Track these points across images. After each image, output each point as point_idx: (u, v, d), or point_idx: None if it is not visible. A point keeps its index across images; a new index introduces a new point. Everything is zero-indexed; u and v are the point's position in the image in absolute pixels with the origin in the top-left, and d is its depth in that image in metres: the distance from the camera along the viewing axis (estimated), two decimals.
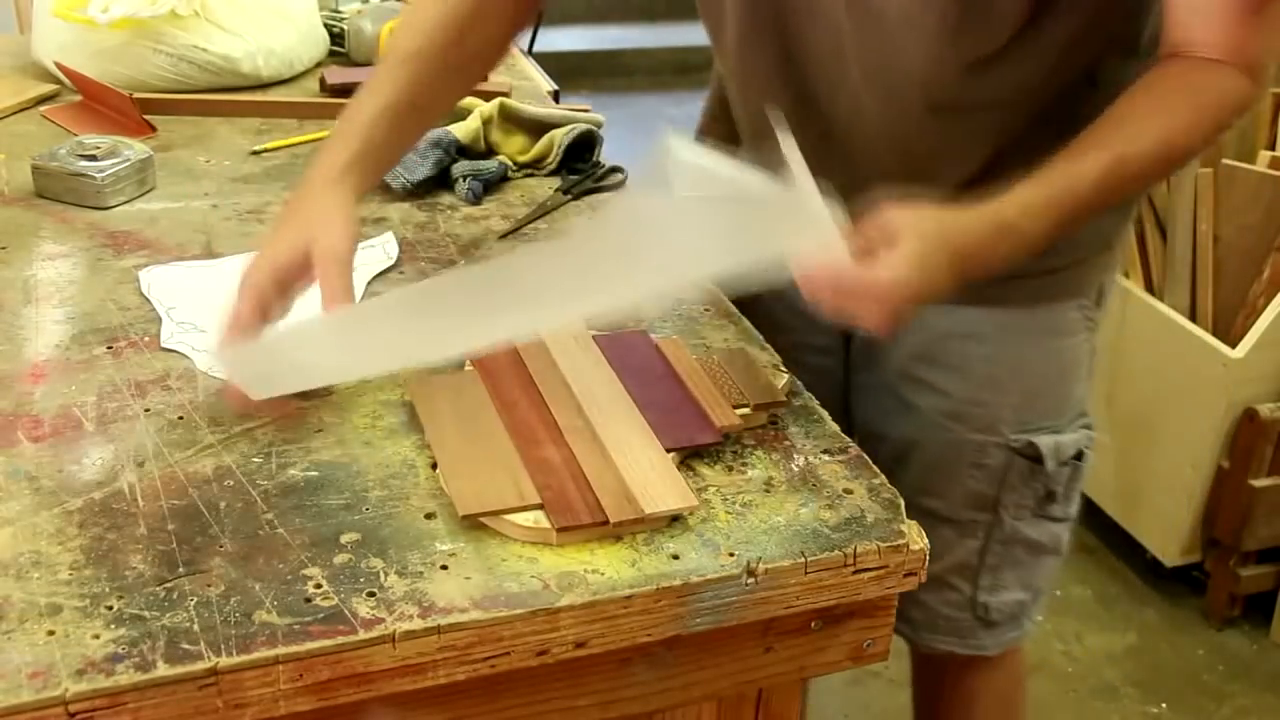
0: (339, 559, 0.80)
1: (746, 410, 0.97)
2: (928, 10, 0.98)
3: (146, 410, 0.95)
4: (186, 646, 0.72)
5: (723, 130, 1.26)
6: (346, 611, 0.76)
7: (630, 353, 1.03)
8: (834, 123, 1.10)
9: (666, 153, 0.83)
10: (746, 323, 1.10)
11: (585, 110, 1.47)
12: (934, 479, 1.19)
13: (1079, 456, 1.21)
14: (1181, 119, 0.95)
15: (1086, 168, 0.93)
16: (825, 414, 0.98)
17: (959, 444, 1.18)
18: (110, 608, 0.75)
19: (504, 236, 1.25)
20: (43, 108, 1.52)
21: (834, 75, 1.07)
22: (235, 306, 0.93)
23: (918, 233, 0.86)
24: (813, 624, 0.88)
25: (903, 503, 0.89)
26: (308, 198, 0.98)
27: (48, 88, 1.56)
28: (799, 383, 1.02)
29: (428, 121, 1.11)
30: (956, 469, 1.19)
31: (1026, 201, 0.92)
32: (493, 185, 1.35)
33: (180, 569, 0.78)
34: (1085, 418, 1.22)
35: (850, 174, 1.08)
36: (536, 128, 1.42)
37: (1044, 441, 1.18)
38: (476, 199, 1.32)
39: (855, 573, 0.84)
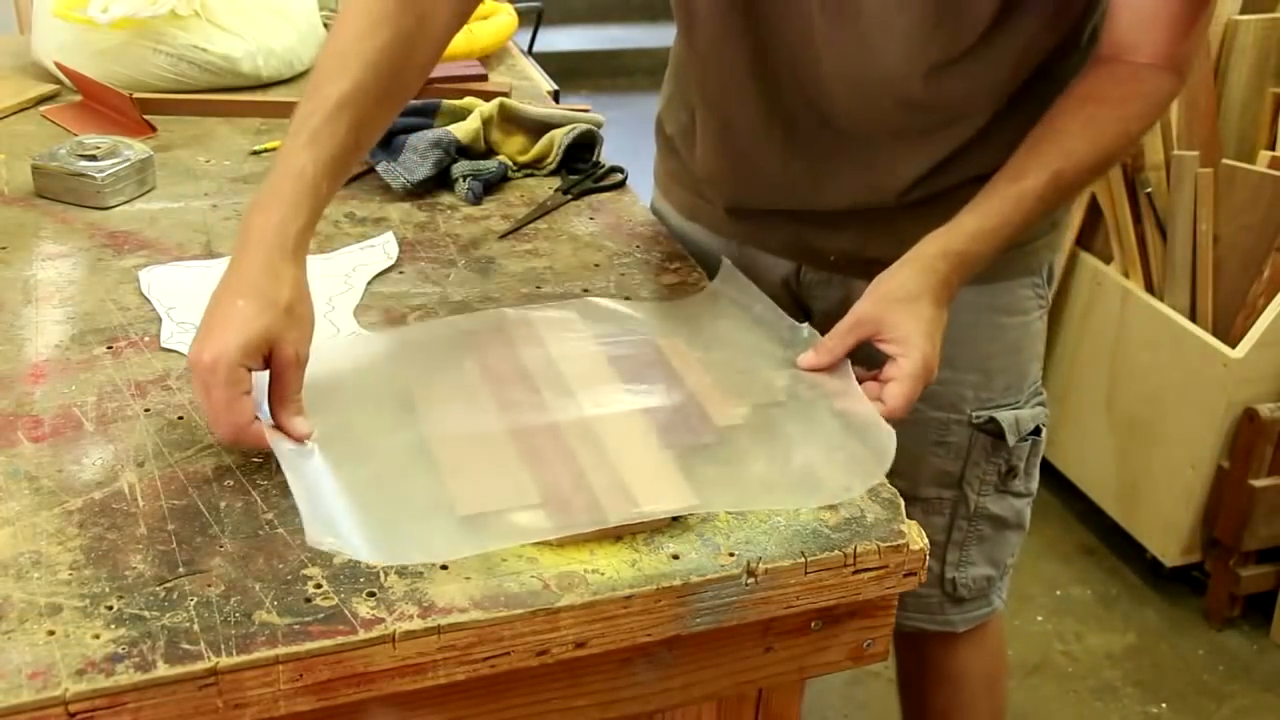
0: (339, 559, 0.80)
1: (746, 409, 0.97)
2: (903, 11, 1.02)
3: (146, 410, 0.95)
4: (186, 646, 0.72)
5: (679, 113, 1.27)
6: (346, 611, 0.76)
7: (631, 352, 1.03)
8: (799, 119, 1.13)
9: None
10: (752, 313, 1.10)
11: (585, 110, 1.47)
12: (900, 459, 1.18)
13: (1037, 432, 1.25)
14: (1112, 128, 1.04)
15: (1028, 187, 1.02)
16: (826, 414, 0.98)
17: (923, 423, 1.20)
18: (110, 608, 0.75)
19: (504, 236, 1.25)
20: (43, 108, 1.52)
21: (804, 71, 1.10)
22: (216, 396, 0.85)
23: (920, 330, 0.98)
24: (813, 624, 0.88)
25: (902, 502, 0.89)
26: (267, 271, 0.90)
27: (48, 88, 1.56)
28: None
29: (364, 151, 1.04)
30: (921, 448, 1.22)
31: (977, 229, 1.02)
32: (493, 185, 1.35)
33: (180, 569, 0.78)
34: (1040, 395, 1.27)
35: (813, 168, 1.15)
36: (536, 128, 1.42)
37: (1004, 417, 1.22)
38: (476, 199, 1.32)
39: (855, 573, 0.84)
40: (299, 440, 0.88)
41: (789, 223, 1.20)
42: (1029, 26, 1.04)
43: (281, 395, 0.89)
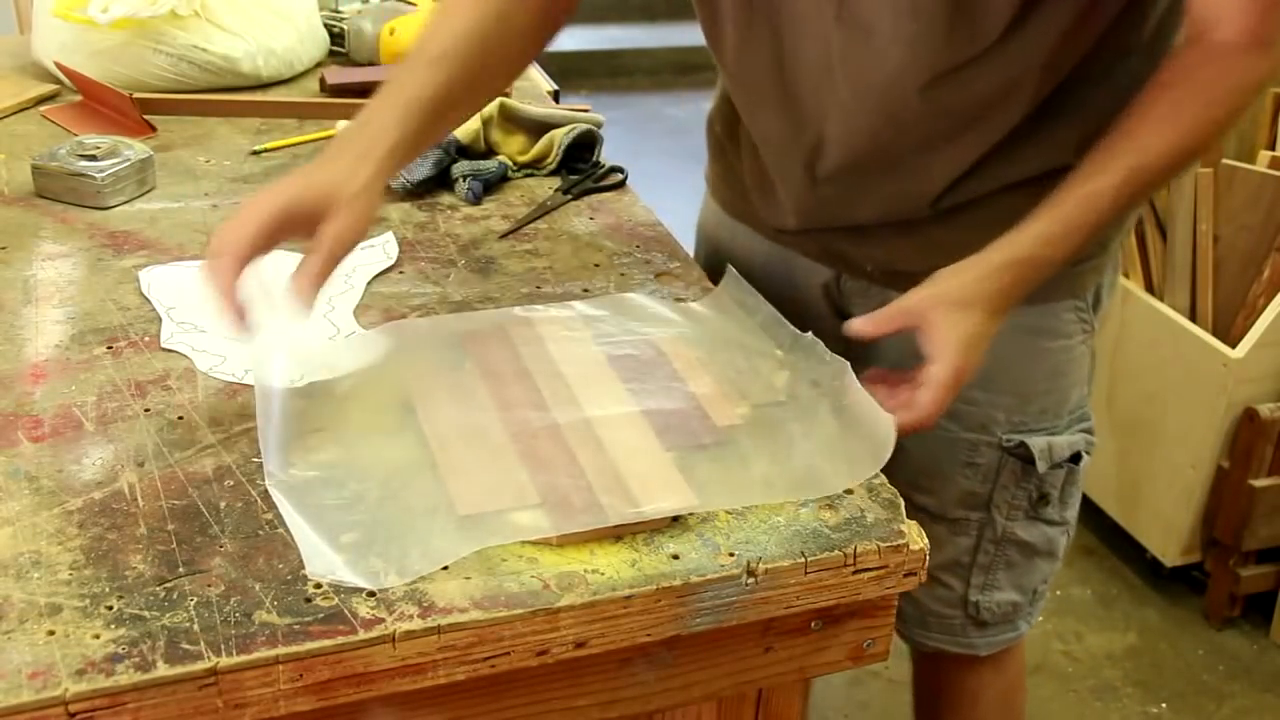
0: (338, 559, 0.80)
1: (746, 409, 0.97)
2: (916, 18, 0.99)
3: (146, 410, 0.95)
4: (186, 646, 0.72)
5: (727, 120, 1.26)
6: (346, 611, 0.76)
7: (631, 352, 1.03)
8: (825, 133, 1.11)
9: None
10: (757, 317, 1.10)
11: (585, 110, 1.47)
12: (927, 476, 1.19)
13: (1075, 459, 1.21)
14: (1189, 120, 0.97)
15: (1100, 186, 0.97)
16: (827, 413, 0.98)
17: (952, 442, 1.18)
18: (110, 608, 0.75)
19: (504, 236, 1.25)
20: (43, 108, 1.52)
21: (822, 86, 1.08)
22: (233, 228, 0.90)
23: (960, 339, 0.96)
24: (813, 624, 0.88)
25: (903, 502, 0.89)
26: (343, 166, 0.94)
27: (48, 88, 1.56)
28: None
29: (450, 124, 1.10)
30: (949, 467, 1.19)
31: (1045, 233, 0.98)
32: (493, 185, 1.35)
33: (180, 569, 0.78)
34: (1084, 422, 1.22)
35: (841, 186, 1.13)
36: (536, 128, 1.42)
37: (1036, 443, 1.17)
38: (476, 199, 1.32)
39: (855, 573, 0.84)
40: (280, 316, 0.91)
41: (824, 234, 1.19)
42: (1050, 30, 1.00)
43: (306, 276, 0.91)
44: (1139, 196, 1.01)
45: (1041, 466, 1.18)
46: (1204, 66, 0.97)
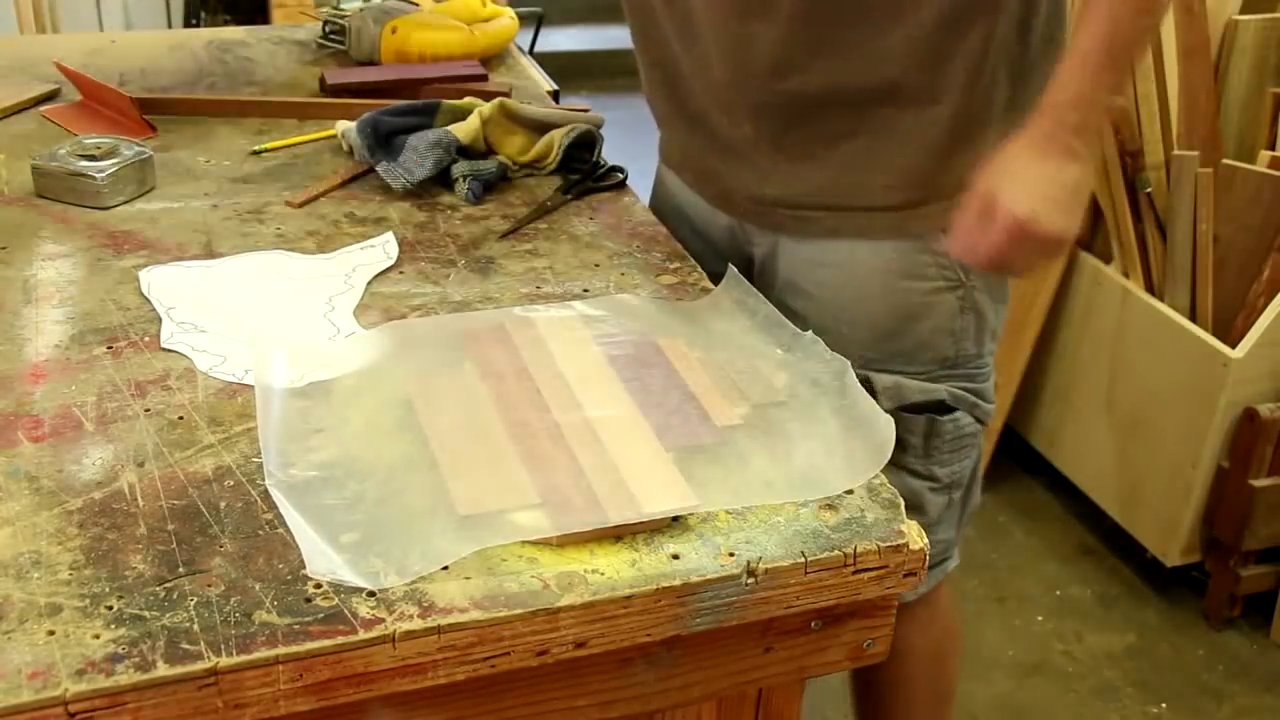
0: (339, 559, 0.80)
1: (746, 409, 0.97)
2: None
3: (146, 410, 0.95)
4: (186, 646, 0.72)
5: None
6: (346, 611, 0.76)
7: (631, 352, 1.03)
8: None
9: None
10: (758, 317, 1.10)
11: (585, 110, 1.47)
12: None
13: (942, 410, 1.23)
14: None
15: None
16: (827, 413, 0.98)
17: None
18: (110, 608, 0.75)
19: (504, 236, 1.25)
20: (43, 108, 1.52)
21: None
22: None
23: (989, 172, 1.05)
24: (813, 624, 0.88)
25: (902, 502, 0.89)
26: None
27: (48, 88, 1.56)
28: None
29: None
30: None
31: (1073, 61, 1.04)
32: (493, 185, 1.35)
33: (180, 569, 0.78)
34: (964, 380, 1.24)
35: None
36: (536, 128, 1.42)
37: (881, 379, 1.20)
38: (476, 199, 1.32)
39: (855, 573, 0.84)
40: None
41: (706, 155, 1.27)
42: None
43: None
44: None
45: (884, 404, 1.16)
46: None
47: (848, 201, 1.20)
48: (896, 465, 1.20)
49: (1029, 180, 1.04)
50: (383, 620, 0.75)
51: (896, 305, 1.21)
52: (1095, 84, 1.04)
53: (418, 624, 0.75)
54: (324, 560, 0.79)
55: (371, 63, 1.68)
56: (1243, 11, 2.25)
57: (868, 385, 1.15)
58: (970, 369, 1.25)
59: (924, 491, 1.28)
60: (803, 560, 0.83)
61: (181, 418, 0.94)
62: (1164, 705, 2.03)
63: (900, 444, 1.17)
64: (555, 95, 1.69)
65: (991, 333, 1.26)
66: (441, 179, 1.34)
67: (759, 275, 1.27)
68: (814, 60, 1.13)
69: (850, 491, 0.89)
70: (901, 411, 1.21)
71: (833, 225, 1.21)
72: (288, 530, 0.82)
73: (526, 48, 2.04)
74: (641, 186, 1.39)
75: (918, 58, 1.11)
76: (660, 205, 1.39)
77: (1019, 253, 1.06)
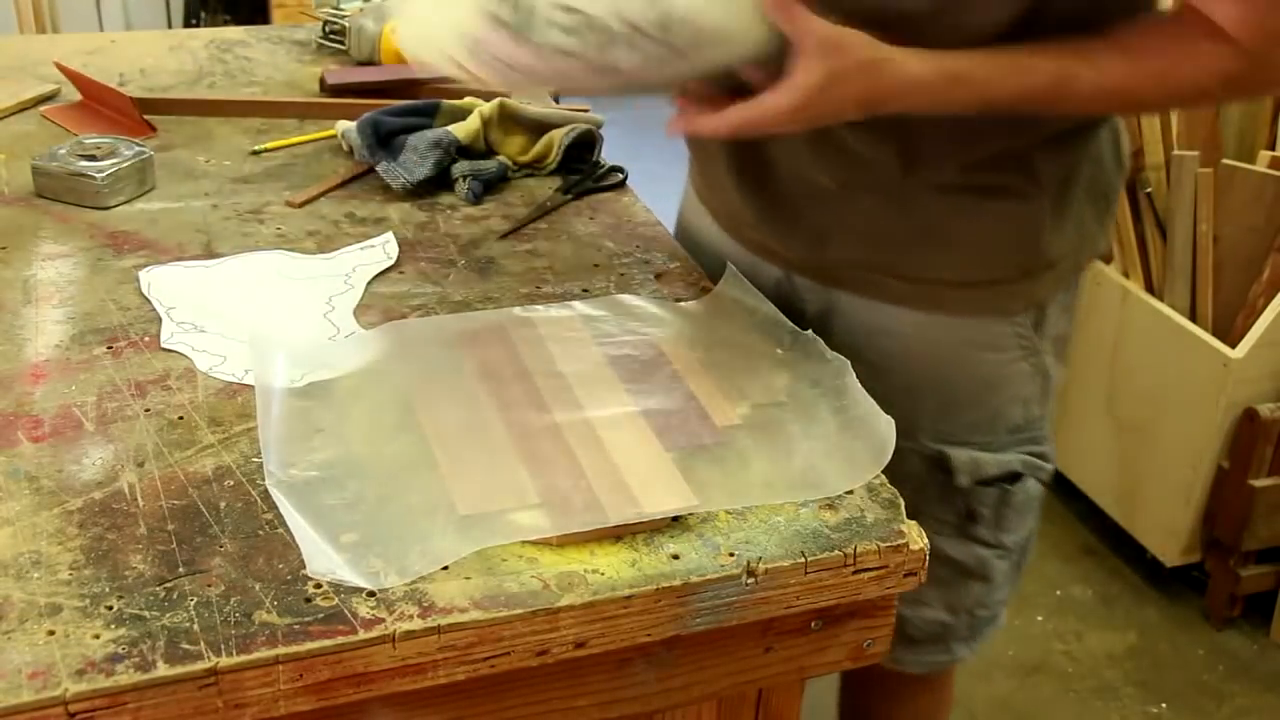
0: (339, 558, 0.80)
1: (747, 409, 0.97)
2: None
3: (146, 410, 0.95)
4: (186, 646, 0.72)
5: None
6: (346, 611, 0.76)
7: (631, 352, 1.03)
8: None
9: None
10: (759, 314, 1.10)
11: (585, 110, 1.47)
12: None
13: (1012, 480, 1.16)
14: (1154, 69, 0.94)
15: (1039, 64, 0.93)
16: (827, 413, 0.98)
17: None
18: (110, 608, 0.75)
19: (504, 236, 1.25)
20: (43, 108, 1.52)
21: None
22: None
23: (825, 61, 0.88)
24: (813, 624, 0.88)
25: (903, 502, 0.89)
26: None
27: (48, 88, 1.56)
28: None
29: None
30: None
31: (960, 68, 0.92)
32: (493, 185, 1.35)
33: (180, 569, 0.78)
34: (1032, 444, 1.18)
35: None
36: (536, 128, 1.42)
37: (958, 455, 1.14)
38: (476, 199, 1.32)
39: (855, 573, 0.84)
40: None
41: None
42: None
43: None
44: (1063, 100, 0.95)
45: (962, 481, 1.14)
46: (1191, 30, 0.93)
47: (920, 272, 1.10)
48: (967, 537, 1.18)
49: (847, 90, 0.90)
50: (383, 620, 0.75)
51: (971, 378, 1.14)
52: (968, 100, 0.93)
53: (418, 624, 0.75)
54: (324, 560, 0.79)
55: (371, 63, 1.68)
56: None
57: (942, 461, 1.14)
58: (1036, 432, 1.19)
59: (992, 561, 1.21)
60: (803, 560, 0.83)
61: (181, 418, 0.94)
62: (1164, 705, 2.03)
63: (971, 516, 1.17)
64: (555, 95, 1.69)
65: (1054, 393, 1.20)
66: (441, 179, 1.34)
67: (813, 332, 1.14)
68: (940, 146, 1.04)
69: (850, 491, 0.89)
70: (977, 485, 1.15)
71: (901, 293, 1.11)
72: (288, 530, 0.82)
73: None
74: (641, 187, 1.39)
75: (1040, 160, 1.05)
76: (689, 244, 1.28)
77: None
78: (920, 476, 1.14)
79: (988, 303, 1.11)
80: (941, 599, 1.22)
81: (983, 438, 1.15)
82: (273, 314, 1.09)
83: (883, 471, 0.93)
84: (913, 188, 1.07)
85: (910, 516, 1.12)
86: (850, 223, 1.11)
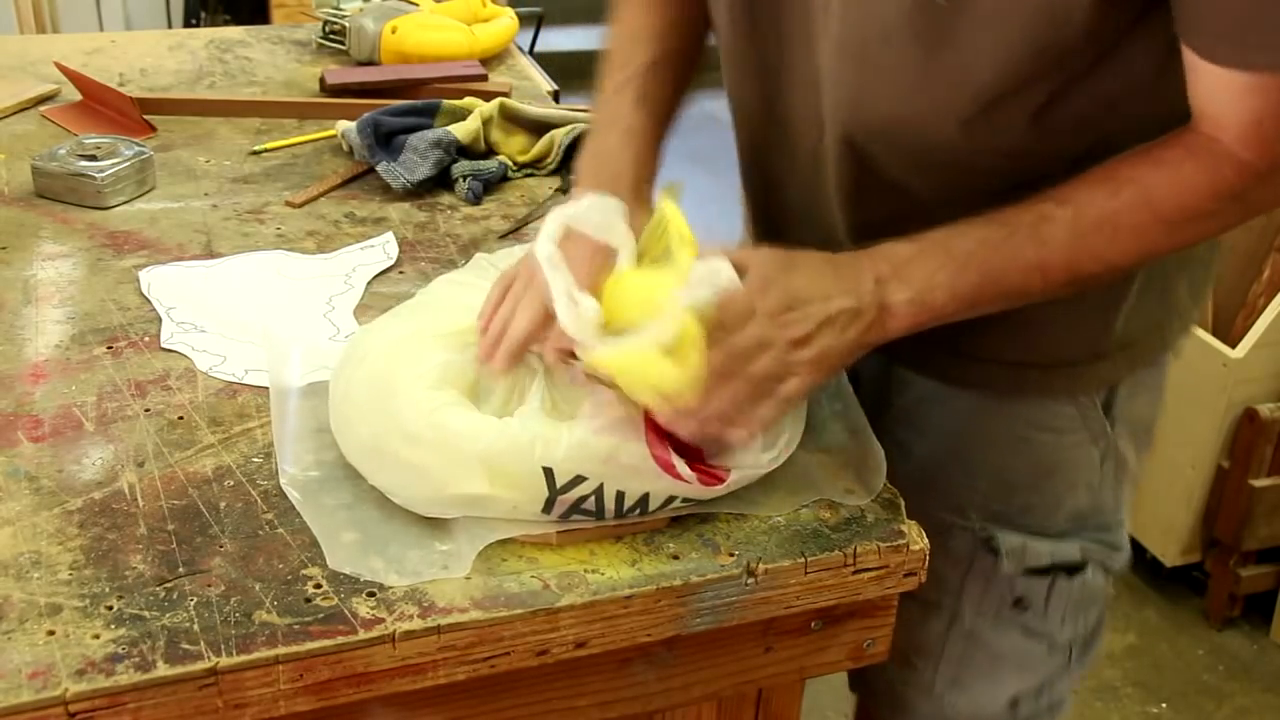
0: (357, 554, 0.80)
1: None
2: (890, 45, 0.85)
3: (146, 410, 0.95)
4: (186, 646, 0.72)
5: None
6: (346, 612, 0.76)
7: None
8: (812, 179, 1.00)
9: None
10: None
11: (585, 110, 1.47)
12: None
13: (1071, 572, 1.08)
14: (1128, 198, 0.84)
15: (962, 245, 0.86)
16: (827, 414, 0.98)
17: (927, 515, 0.96)
18: (110, 608, 0.75)
19: (504, 236, 1.25)
20: (43, 108, 1.52)
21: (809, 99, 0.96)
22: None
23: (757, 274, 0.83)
24: (813, 624, 0.88)
25: (903, 502, 0.89)
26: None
27: (48, 88, 1.56)
28: None
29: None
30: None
31: (954, 228, 0.86)
32: (493, 185, 1.35)
33: (180, 569, 0.78)
34: (1099, 533, 1.09)
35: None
36: (536, 127, 1.42)
37: (1008, 540, 1.06)
38: (476, 199, 1.32)
39: (855, 573, 0.84)
40: None
41: None
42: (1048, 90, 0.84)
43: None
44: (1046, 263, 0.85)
45: (1008, 567, 1.06)
46: (1176, 146, 0.84)
47: (975, 350, 1.01)
48: (1011, 624, 1.10)
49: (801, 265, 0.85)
50: (383, 620, 0.75)
51: (1028, 458, 1.05)
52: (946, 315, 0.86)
53: (418, 624, 0.75)
54: (345, 554, 0.79)
55: (371, 63, 1.68)
56: None
57: (990, 543, 1.06)
58: (1105, 519, 1.09)
59: (1037, 651, 1.11)
60: (803, 560, 0.83)
61: (181, 418, 0.94)
62: (1164, 705, 2.03)
63: (1018, 603, 1.08)
64: (555, 95, 1.69)
65: (1132, 478, 1.10)
66: (441, 179, 1.34)
67: (867, 396, 1.03)
68: None
69: (851, 491, 0.89)
70: (1025, 574, 1.07)
71: (954, 371, 1.03)
72: (288, 530, 0.82)
73: (526, 48, 2.04)
74: None
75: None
76: None
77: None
78: (964, 554, 1.07)
79: (1045, 385, 1.02)
80: (984, 687, 1.13)
81: (1039, 523, 1.07)
82: (273, 314, 1.09)
83: (938, 547, 0.88)
84: None
85: (954, 594, 1.08)
86: None
